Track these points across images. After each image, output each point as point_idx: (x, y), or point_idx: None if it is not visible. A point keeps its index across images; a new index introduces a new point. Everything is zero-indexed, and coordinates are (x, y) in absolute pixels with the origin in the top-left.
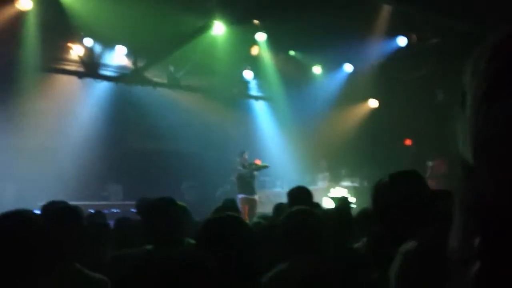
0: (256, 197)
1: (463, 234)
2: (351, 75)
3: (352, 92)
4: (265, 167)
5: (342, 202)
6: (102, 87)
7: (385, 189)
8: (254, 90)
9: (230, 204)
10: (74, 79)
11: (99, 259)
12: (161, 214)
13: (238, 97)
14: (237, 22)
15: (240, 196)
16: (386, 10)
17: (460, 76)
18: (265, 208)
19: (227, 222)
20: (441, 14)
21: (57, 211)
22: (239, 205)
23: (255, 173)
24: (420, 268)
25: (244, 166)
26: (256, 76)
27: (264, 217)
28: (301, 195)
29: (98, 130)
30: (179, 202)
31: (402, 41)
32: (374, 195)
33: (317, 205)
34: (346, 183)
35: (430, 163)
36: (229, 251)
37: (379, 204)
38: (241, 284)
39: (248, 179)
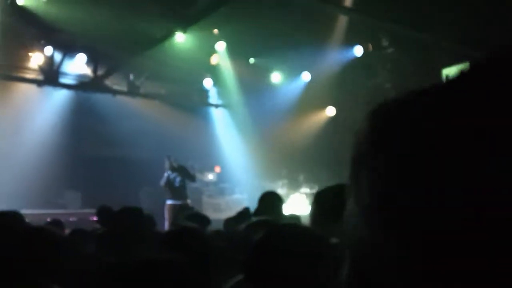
0: (187, 201)
1: None
2: (309, 83)
3: (310, 99)
4: (192, 178)
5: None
6: (61, 95)
7: None
8: (213, 98)
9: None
10: (33, 87)
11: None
12: (126, 224)
13: (198, 104)
14: (197, 33)
15: (169, 202)
16: (343, 20)
17: (413, 84)
18: (225, 214)
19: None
20: (394, 23)
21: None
22: (166, 211)
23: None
24: None
25: (173, 169)
26: (216, 84)
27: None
28: (273, 202)
29: (56, 138)
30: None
31: (358, 50)
32: None
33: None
34: (305, 189)
35: None
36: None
37: None
38: None
39: (177, 184)
